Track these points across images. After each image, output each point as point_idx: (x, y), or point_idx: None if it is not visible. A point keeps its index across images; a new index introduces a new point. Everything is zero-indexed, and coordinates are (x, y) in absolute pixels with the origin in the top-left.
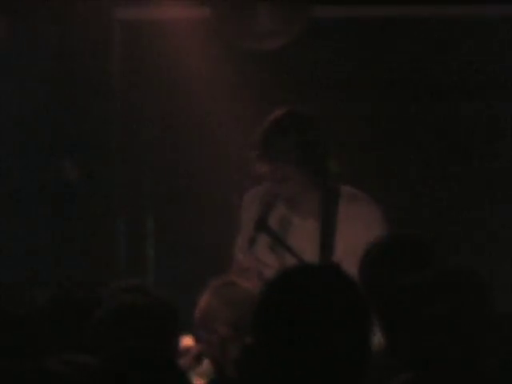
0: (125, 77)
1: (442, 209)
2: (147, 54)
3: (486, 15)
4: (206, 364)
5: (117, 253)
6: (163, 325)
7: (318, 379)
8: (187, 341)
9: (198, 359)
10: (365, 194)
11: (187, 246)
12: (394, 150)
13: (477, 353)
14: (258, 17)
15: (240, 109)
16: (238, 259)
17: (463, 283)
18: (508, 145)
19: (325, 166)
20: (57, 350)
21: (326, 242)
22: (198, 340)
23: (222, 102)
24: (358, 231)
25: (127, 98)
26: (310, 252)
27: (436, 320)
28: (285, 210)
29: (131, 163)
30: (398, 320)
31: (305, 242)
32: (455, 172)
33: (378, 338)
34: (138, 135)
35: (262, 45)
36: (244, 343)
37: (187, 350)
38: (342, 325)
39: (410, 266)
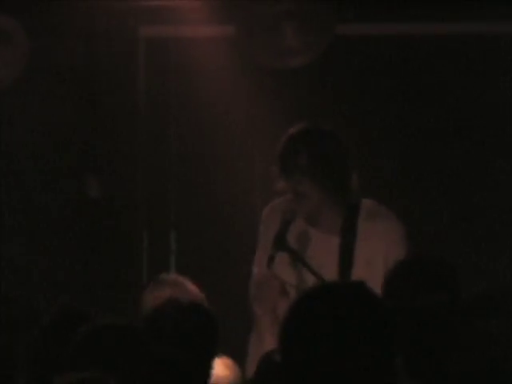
0: (150, 94)
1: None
2: (172, 72)
3: None
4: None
5: (139, 268)
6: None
7: None
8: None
9: None
10: (386, 210)
11: (210, 261)
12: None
13: None
14: (283, 35)
15: (266, 125)
16: (256, 273)
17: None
18: None
19: (344, 181)
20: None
21: (346, 257)
22: None
23: (247, 119)
24: (377, 248)
25: (152, 115)
26: (329, 267)
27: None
28: (304, 225)
29: (155, 179)
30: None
31: (324, 257)
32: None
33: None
34: (162, 151)
35: (287, 63)
36: (268, 357)
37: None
38: (367, 343)
39: (432, 288)
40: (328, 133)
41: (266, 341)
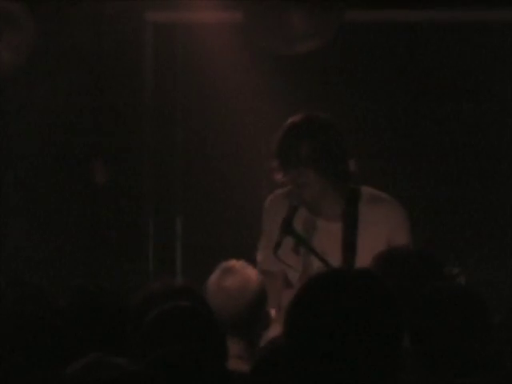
0: (157, 79)
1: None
2: (179, 57)
3: None
4: None
5: (145, 254)
6: (209, 328)
7: None
8: None
9: None
10: (387, 196)
11: (214, 248)
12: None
13: None
14: (290, 20)
15: (273, 111)
16: (260, 260)
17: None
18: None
19: (344, 169)
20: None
21: (349, 244)
22: None
23: (254, 105)
24: (379, 233)
25: (159, 100)
26: (333, 254)
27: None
28: (307, 213)
29: (162, 165)
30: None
31: (328, 245)
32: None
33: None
34: (169, 137)
35: (294, 48)
36: (273, 340)
37: None
38: (372, 331)
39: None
40: (326, 121)
41: (272, 331)
